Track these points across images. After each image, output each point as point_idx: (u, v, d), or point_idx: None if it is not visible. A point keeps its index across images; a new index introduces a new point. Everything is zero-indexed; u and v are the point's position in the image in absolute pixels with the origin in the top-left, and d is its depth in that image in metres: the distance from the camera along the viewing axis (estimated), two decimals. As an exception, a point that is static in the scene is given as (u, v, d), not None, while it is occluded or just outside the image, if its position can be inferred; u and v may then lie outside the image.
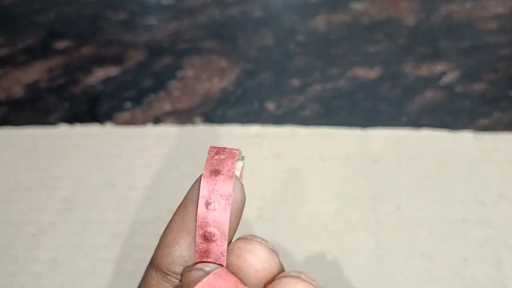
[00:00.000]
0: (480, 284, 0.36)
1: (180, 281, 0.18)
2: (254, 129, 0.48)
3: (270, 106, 0.51)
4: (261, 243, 0.18)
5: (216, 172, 0.19)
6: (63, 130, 0.48)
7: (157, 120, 0.49)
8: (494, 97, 0.51)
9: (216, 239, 0.18)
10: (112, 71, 0.55)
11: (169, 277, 0.19)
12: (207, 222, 0.18)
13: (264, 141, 0.46)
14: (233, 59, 0.56)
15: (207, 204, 0.18)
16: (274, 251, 0.18)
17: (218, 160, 0.19)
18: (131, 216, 0.41)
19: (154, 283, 0.19)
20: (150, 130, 0.48)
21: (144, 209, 0.42)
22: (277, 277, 0.18)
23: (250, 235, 0.19)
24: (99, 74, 0.55)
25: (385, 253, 0.38)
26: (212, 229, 0.18)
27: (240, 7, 0.64)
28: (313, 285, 0.17)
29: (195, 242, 0.18)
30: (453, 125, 0.48)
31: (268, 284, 0.18)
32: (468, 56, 0.56)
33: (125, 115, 0.50)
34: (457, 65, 0.54)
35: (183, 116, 0.50)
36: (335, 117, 0.49)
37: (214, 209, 0.18)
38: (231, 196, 0.18)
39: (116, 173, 0.44)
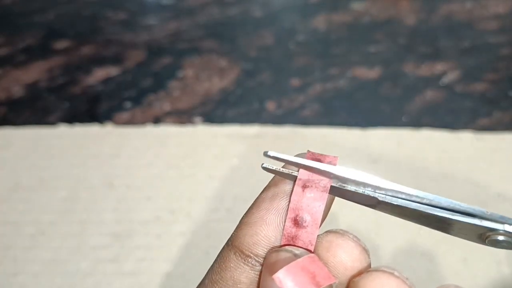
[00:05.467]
0: (480, 284, 0.36)
1: (262, 264, 0.17)
2: (254, 129, 0.48)
3: (270, 106, 0.51)
4: (353, 239, 0.17)
5: (317, 160, 0.17)
6: (63, 130, 0.48)
7: (157, 120, 0.49)
8: (495, 97, 0.51)
9: (307, 226, 0.17)
10: (112, 71, 0.55)
11: (249, 259, 0.17)
12: (301, 206, 0.17)
13: (264, 141, 0.46)
14: (233, 59, 0.56)
15: (304, 187, 0.17)
16: (366, 251, 0.17)
17: (319, 154, 0.18)
18: (130, 216, 0.41)
19: (232, 265, 0.17)
20: (150, 130, 0.48)
21: (143, 209, 0.41)
22: (367, 270, 0.16)
23: (341, 229, 0.17)
24: (99, 74, 0.55)
25: (385, 253, 0.38)
26: (304, 215, 0.17)
27: (240, 7, 0.64)
28: (406, 284, 0.16)
29: (283, 223, 0.17)
30: (453, 124, 0.48)
31: (355, 276, 0.16)
32: (468, 56, 0.56)
33: (125, 115, 0.50)
34: (457, 65, 0.54)
35: (183, 116, 0.50)
36: (335, 117, 0.49)
37: (311, 194, 0.17)
38: (330, 184, 0.17)
39: (116, 173, 0.44)
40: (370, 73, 0.54)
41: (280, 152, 0.18)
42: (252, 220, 0.17)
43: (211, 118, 0.49)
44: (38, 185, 0.43)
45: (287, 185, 0.17)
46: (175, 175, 0.44)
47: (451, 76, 0.53)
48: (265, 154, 0.17)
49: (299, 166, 0.17)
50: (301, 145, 0.46)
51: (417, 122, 0.48)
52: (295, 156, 0.18)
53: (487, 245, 0.17)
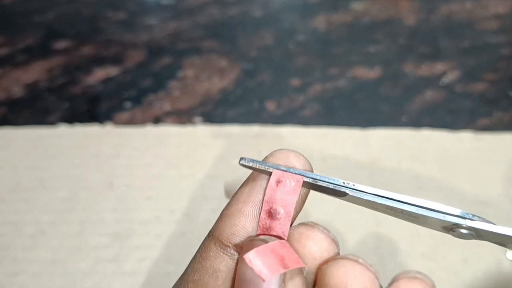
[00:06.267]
0: (481, 284, 0.36)
1: (239, 253, 0.18)
2: (254, 129, 0.48)
3: (270, 106, 0.51)
4: (323, 231, 0.18)
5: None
6: (63, 130, 0.48)
7: (157, 120, 0.49)
8: (494, 97, 0.51)
9: (280, 218, 0.18)
10: (112, 71, 0.55)
11: (228, 249, 0.18)
12: (275, 199, 0.18)
13: (264, 141, 0.46)
14: (233, 59, 0.56)
15: (278, 182, 0.18)
16: (335, 242, 0.18)
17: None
18: (130, 216, 0.41)
19: (212, 254, 0.18)
20: (150, 130, 0.48)
21: (143, 209, 0.41)
22: (334, 258, 0.17)
23: (312, 222, 0.18)
24: (99, 74, 0.55)
25: (386, 253, 0.38)
26: (278, 207, 0.18)
27: (240, 7, 0.64)
28: (370, 270, 0.17)
29: (259, 215, 0.18)
30: (453, 125, 0.48)
31: (323, 264, 0.17)
32: (468, 56, 0.56)
33: (125, 115, 0.50)
34: (457, 65, 0.54)
35: (183, 116, 0.50)
36: (335, 117, 0.49)
37: (284, 188, 0.18)
38: (303, 179, 0.18)
39: (116, 173, 0.44)
40: (370, 73, 0.54)
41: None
42: (231, 212, 0.18)
43: (211, 118, 0.49)
44: (38, 185, 0.43)
45: (263, 180, 0.18)
46: (175, 175, 0.44)
47: (451, 76, 0.53)
48: (240, 161, 0.19)
49: (273, 168, 0.19)
50: (301, 145, 0.46)
51: (417, 122, 0.48)
52: (272, 152, 0.19)
53: (452, 235, 0.19)
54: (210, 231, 0.19)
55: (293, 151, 0.19)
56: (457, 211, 0.19)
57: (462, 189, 0.42)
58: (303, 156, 0.19)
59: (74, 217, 0.41)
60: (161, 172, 0.44)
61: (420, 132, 0.47)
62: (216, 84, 0.53)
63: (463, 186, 0.42)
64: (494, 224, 0.19)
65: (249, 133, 0.47)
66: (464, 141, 0.46)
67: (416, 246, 0.38)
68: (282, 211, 0.18)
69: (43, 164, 0.45)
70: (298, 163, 0.19)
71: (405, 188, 0.42)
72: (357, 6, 0.63)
